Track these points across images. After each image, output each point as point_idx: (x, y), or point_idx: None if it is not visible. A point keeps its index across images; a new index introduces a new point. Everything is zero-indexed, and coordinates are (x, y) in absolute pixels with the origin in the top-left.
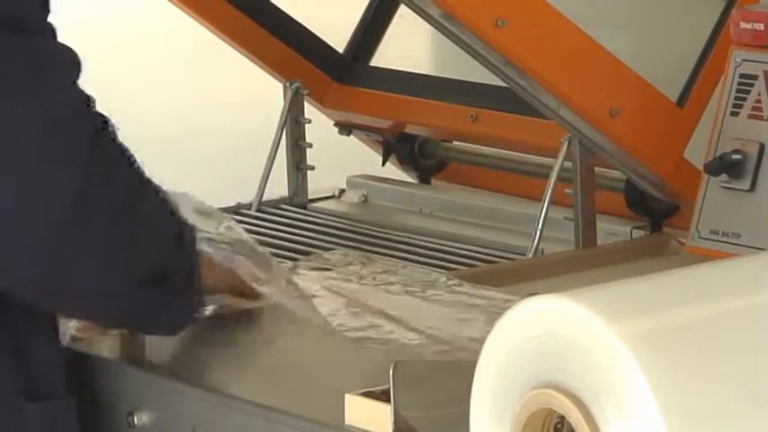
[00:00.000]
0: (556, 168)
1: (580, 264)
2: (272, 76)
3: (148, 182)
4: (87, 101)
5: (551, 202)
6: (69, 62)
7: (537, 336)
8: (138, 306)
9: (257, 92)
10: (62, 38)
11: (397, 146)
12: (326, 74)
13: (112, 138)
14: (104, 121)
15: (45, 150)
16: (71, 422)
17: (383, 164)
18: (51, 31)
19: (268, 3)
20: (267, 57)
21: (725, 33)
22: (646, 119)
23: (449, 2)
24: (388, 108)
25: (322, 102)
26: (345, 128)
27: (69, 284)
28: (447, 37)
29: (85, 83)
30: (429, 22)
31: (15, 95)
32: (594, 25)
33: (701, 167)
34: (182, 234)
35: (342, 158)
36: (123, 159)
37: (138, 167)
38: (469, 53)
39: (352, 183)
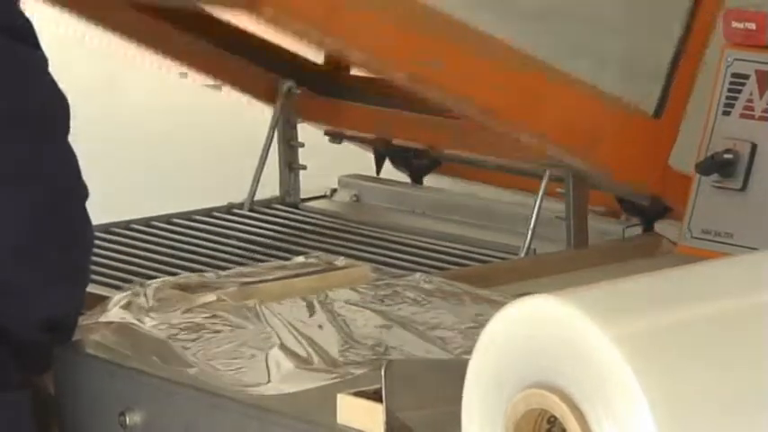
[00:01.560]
0: (543, 184)
1: (572, 263)
2: (258, 100)
3: None
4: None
5: (544, 193)
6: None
7: (528, 336)
8: None
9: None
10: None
11: (389, 150)
12: (308, 88)
13: None
14: None
15: None
16: (23, 416)
17: (377, 173)
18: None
19: (234, 28)
20: (245, 84)
21: (693, 37)
22: (626, 142)
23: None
24: (373, 122)
25: (306, 117)
26: (336, 137)
27: None
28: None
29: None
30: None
31: None
32: (563, 55)
33: (687, 171)
34: None
35: (333, 158)
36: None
37: None
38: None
39: (343, 182)
